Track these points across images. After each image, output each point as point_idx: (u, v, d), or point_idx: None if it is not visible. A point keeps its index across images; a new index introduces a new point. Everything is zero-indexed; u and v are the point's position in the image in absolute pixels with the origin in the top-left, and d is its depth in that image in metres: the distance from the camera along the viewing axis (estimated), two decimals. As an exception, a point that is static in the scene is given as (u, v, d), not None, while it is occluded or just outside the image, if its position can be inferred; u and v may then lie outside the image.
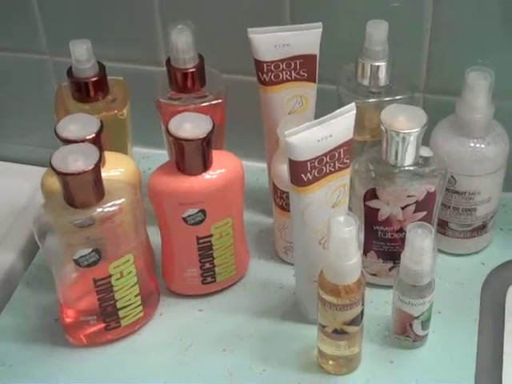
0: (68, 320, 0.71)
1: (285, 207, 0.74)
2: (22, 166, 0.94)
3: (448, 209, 0.76)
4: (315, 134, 0.63)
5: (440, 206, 0.73)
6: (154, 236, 0.76)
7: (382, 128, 0.68)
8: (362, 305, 0.66)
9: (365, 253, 0.74)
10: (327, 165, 0.64)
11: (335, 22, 0.76)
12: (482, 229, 0.78)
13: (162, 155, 0.82)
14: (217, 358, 0.72)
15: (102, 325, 0.71)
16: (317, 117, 0.74)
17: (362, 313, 0.66)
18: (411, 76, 0.78)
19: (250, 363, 0.71)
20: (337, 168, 0.65)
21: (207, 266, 0.74)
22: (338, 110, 0.64)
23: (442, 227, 0.78)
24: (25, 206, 0.88)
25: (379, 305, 0.74)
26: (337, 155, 0.64)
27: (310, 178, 0.64)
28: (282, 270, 0.79)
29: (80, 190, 0.64)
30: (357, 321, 0.66)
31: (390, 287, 0.71)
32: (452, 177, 0.73)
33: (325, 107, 0.71)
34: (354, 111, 0.64)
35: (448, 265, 0.78)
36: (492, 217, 0.78)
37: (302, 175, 0.64)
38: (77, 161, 0.63)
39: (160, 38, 0.83)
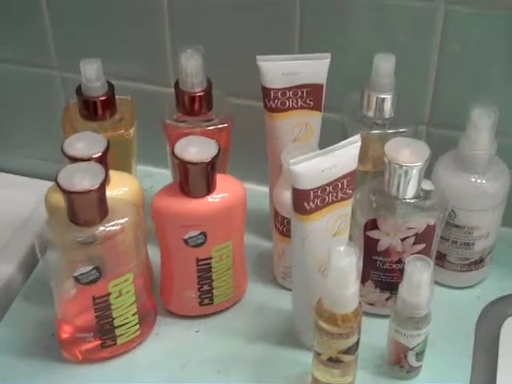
0: (64, 336, 0.72)
1: (285, 233, 0.75)
2: (25, 178, 0.95)
3: (447, 242, 0.77)
4: (319, 163, 0.63)
5: (439, 238, 0.73)
6: (154, 255, 0.76)
7: (386, 160, 0.68)
8: (359, 334, 0.66)
9: (362, 282, 0.74)
10: (330, 194, 0.65)
11: (343, 53, 0.77)
12: (479, 263, 0.78)
13: (165, 174, 0.83)
14: (211, 380, 0.72)
15: (98, 342, 0.72)
16: (320, 145, 0.76)
17: (357, 342, 0.67)
18: (416, 109, 0.78)
19: (244, 386, 0.71)
20: (339, 198, 0.66)
21: (205, 287, 0.75)
22: (342, 142, 0.64)
23: (440, 259, 0.78)
24: (26, 219, 0.88)
25: (374, 334, 0.74)
26: (340, 185, 0.65)
27: (313, 206, 0.65)
28: (279, 294, 0.79)
29: (84, 209, 0.64)
30: (352, 350, 0.67)
31: (386, 317, 0.71)
32: (452, 210, 0.74)
33: (329, 136, 0.72)
34: (359, 143, 0.65)
35: (444, 297, 0.78)
36: (490, 252, 0.78)
37: (305, 203, 0.64)
38: (83, 179, 0.63)
39: (169, 58, 0.84)
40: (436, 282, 0.78)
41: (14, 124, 0.94)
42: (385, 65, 0.72)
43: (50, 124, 0.83)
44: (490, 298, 0.79)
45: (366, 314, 0.74)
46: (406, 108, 0.75)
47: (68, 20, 0.84)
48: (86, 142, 0.69)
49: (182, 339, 0.75)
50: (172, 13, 0.81)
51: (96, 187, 0.63)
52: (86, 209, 0.65)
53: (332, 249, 0.62)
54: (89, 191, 0.63)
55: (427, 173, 0.71)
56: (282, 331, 0.76)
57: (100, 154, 0.68)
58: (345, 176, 0.65)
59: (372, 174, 0.76)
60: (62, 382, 0.72)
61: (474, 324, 0.76)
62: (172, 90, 0.76)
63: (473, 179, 0.73)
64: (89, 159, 0.67)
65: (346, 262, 0.62)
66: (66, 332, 0.72)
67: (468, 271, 0.79)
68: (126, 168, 0.77)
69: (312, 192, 0.64)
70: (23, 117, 0.93)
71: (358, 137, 0.65)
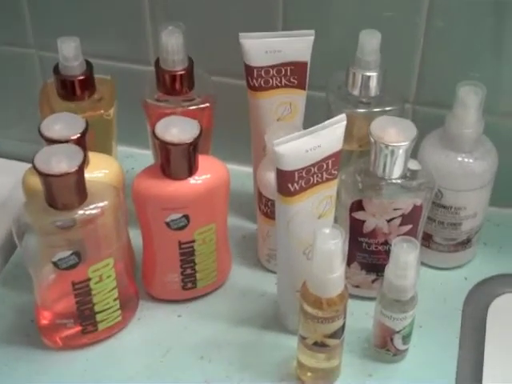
0: (44, 322, 0.70)
1: (269, 215, 0.73)
2: (2, 160, 0.92)
3: (433, 222, 0.76)
4: (304, 144, 0.62)
5: (426, 219, 0.72)
6: (136, 238, 0.75)
7: (371, 140, 0.67)
8: (344, 318, 0.65)
9: (348, 264, 0.73)
10: (315, 175, 0.64)
11: (327, 29, 0.76)
12: (466, 243, 0.77)
13: (147, 155, 0.81)
14: (194, 365, 0.71)
15: (79, 328, 0.70)
16: (305, 124, 0.74)
17: (343, 326, 0.66)
18: (402, 87, 0.77)
19: (228, 372, 0.70)
20: (324, 179, 0.64)
21: (188, 271, 0.73)
22: (327, 121, 0.63)
23: (427, 240, 0.77)
24: (4, 202, 0.86)
25: (360, 317, 0.73)
26: (325, 166, 0.64)
27: (297, 188, 0.63)
28: (264, 277, 0.78)
29: (62, 192, 0.63)
30: (338, 334, 0.65)
31: (372, 299, 0.71)
32: (439, 190, 0.73)
33: (313, 114, 0.71)
34: (345, 122, 0.63)
35: (431, 278, 0.78)
36: (477, 232, 0.77)
37: (289, 185, 0.63)
38: (60, 162, 0.62)
39: (149, 36, 0.82)
40: (422, 263, 0.77)
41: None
42: (370, 42, 0.70)
43: (28, 104, 0.81)
44: (478, 279, 0.78)
45: (352, 296, 0.73)
46: (392, 86, 0.73)
47: (45, -3, 0.82)
48: (64, 123, 0.67)
49: (164, 324, 0.74)
50: (152, -11, 0.79)
51: (74, 170, 0.62)
52: (64, 192, 0.63)
53: (317, 231, 0.61)
54: (66, 174, 0.61)
55: (413, 152, 0.69)
56: (267, 315, 0.74)
57: (78, 135, 0.66)
58: (330, 156, 0.63)
59: (357, 154, 0.75)
60: (43, 370, 0.70)
61: (462, 305, 0.76)
62: (153, 69, 0.74)
63: (460, 158, 0.72)
64: (67, 141, 0.66)
65: (332, 244, 0.60)
66: (45, 318, 0.70)
67: (455, 252, 0.78)
68: (106, 149, 0.75)
69: (296, 173, 0.62)
70: (0, 97, 0.90)
71: (343, 116, 0.63)
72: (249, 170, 0.82)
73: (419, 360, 0.71)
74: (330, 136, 0.63)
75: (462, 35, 0.74)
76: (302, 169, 0.62)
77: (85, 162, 0.63)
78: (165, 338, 0.73)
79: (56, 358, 0.71)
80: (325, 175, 0.64)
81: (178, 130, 0.66)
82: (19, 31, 0.84)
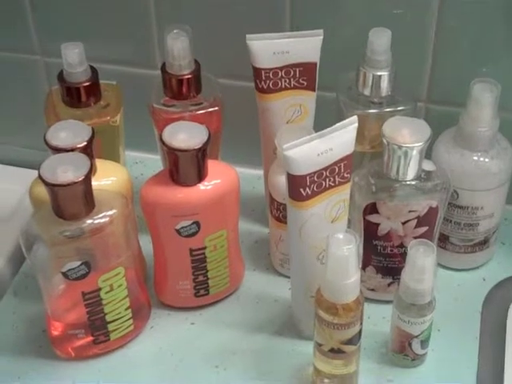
0: (55, 333, 0.69)
1: (281, 219, 0.72)
2: (11, 167, 0.91)
3: (449, 223, 0.74)
4: (315, 147, 0.60)
5: (442, 220, 0.71)
6: (148, 245, 0.74)
7: (384, 141, 0.66)
8: (361, 324, 0.64)
9: (363, 267, 0.72)
10: (327, 179, 0.62)
11: (336, 29, 0.74)
12: (483, 244, 0.76)
13: (156, 160, 0.80)
14: (209, 374, 0.69)
15: (91, 338, 0.69)
16: (315, 125, 0.73)
17: (360, 332, 0.64)
18: (414, 86, 0.75)
19: (244, 380, 0.69)
20: (337, 183, 0.63)
21: (200, 278, 0.72)
22: (339, 123, 0.61)
23: (443, 241, 0.75)
24: (14, 211, 0.85)
25: (377, 321, 0.72)
26: (337, 169, 0.62)
27: (309, 192, 0.62)
28: (277, 282, 0.77)
29: (70, 202, 0.62)
30: (355, 340, 0.64)
31: (388, 302, 0.69)
32: (455, 191, 0.71)
33: (324, 116, 0.70)
34: (356, 124, 0.62)
35: (448, 280, 0.76)
36: (494, 231, 0.76)
37: (301, 190, 0.62)
38: (66, 171, 0.60)
39: (156, 40, 0.81)
40: (439, 265, 0.76)
41: (-3, 112, 0.91)
42: (380, 40, 0.69)
43: (35, 111, 0.80)
44: (496, 280, 0.76)
45: (368, 300, 0.72)
46: (404, 85, 0.72)
47: (49, 2, 0.81)
48: (70, 131, 0.66)
49: (177, 332, 0.73)
50: (157, -8, 0.78)
51: (80, 179, 0.60)
52: (72, 202, 0.62)
53: (330, 237, 0.59)
54: (73, 183, 0.60)
55: (427, 151, 0.68)
56: (281, 321, 0.73)
57: (85, 143, 0.65)
58: (342, 159, 0.62)
59: (370, 155, 0.73)
60: (56, 381, 0.69)
61: (480, 307, 0.74)
62: (159, 73, 0.73)
63: (475, 158, 0.70)
64: (73, 149, 0.64)
65: (346, 250, 0.59)
66: (56, 329, 0.69)
67: (472, 252, 0.76)
68: (113, 156, 0.74)
69: (308, 177, 0.61)
70: (6, 104, 0.90)
71: (355, 118, 0.62)
72: (259, 172, 0.81)
73: (439, 364, 0.70)
74: (342, 139, 0.61)
75: (474, 31, 0.73)
76: (314, 173, 0.61)
77: (91, 171, 0.62)
78: (178, 347, 0.72)
79: (69, 368, 0.70)
80: (337, 179, 0.63)
81: (185, 135, 0.65)
82: (24, 37, 0.83)
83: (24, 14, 0.82)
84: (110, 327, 0.69)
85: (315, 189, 0.62)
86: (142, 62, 0.82)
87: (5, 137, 0.92)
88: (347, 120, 0.62)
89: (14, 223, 0.83)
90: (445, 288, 0.74)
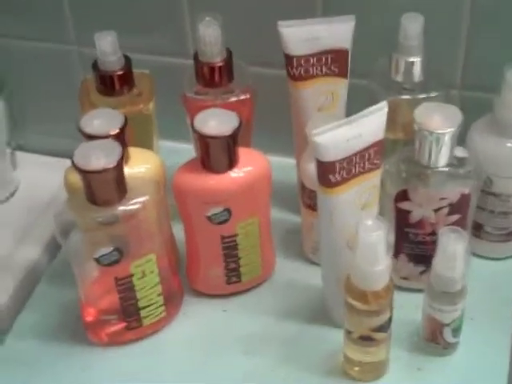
0: (89, 318, 0.70)
1: (313, 207, 0.72)
2: (48, 157, 0.92)
3: (483, 211, 0.73)
4: (344, 133, 0.60)
5: (475, 208, 0.70)
6: (180, 233, 0.74)
7: (415, 127, 0.65)
8: (391, 311, 0.63)
9: (395, 256, 0.71)
10: (356, 165, 0.62)
11: (368, 14, 0.73)
12: (518, 232, 0.75)
13: (190, 150, 0.80)
14: (239, 360, 0.70)
15: (123, 324, 0.70)
16: (347, 112, 0.73)
17: (390, 319, 0.64)
18: (447, 72, 0.75)
19: (274, 367, 0.69)
20: (367, 169, 0.63)
21: (232, 265, 0.72)
22: (368, 109, 0.61)
23: (477, 230, 0.75)
24: (51, 200, 0.86)
25: (409, 309, 0.71)
26: (367, 156, 0.62)
27: (339, 179, 0.62)
28: (309, 270, 0.77)
29: (102, 188, 0.62)
30: (385, 327, 0.64)
31: (421, 291, 0.68)
32: (488, 178, 0.70)
33: (356, 103, 0.69)
34: (386, 110, 0.61)
35: (482, 269, 0.75)
36: (529, 220, 0.75)
37: (330, 176, 0.61)
38: (99, 158, 0.61)
39: (188, 29, 0.81)
40: (473, 254, 0.75)
41: (33, 102, 0.92)
42: (413, 26, 0.68)
43: (71, 101, 0.81)
44: (531, 269, 0.75)
45: (401, 288, 0.71)
46: (437, 71, 0.71)
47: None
48: (103, 119, 0.67)
49: (209, 319, 0.73)
50: (189, -20, 0.78)
51: (112, 165, 0.61)
52: (104, 188, 0.62)
53: (359, 223, 0.59)
54: (105, 170, 0.61)
55: (461, 139, 0.67)
56: (313, 308, 0.73)
57: (117, 130, 0.66)
58: (372, 146, 0.62)
59: (403, 143, 0.72)
60: (89, 366, 0.70)
61: (515, 296, 0.73)
62: (192, 62, 0.74)
63: (509, 144, 0.69)
64: (106, 136, 0.65)
65: (374, 236, 0.59)
66: (90, 315, 0.70)
67: (506, 241, 0.75)
68: (146, 144, 0.75)
69: (337, 164, 0.61)
70: (42, 94, 0.91)
71: (384, 103, 0.61)
72: (292, 161, 0.81)
73: (470, 353, 0.69)
74: (371, 124, 0.61)
75: (509, 14, 0.71)
76: (343, 159, 0.61)
77: (124, 158, 0.62)
78: (210, 333, 0.72)
79: (102, 354, 0.71)
80: (367, 165, 0.62)
81: (216, 122, 0.65)
82: (59, 27, 0.85)
83: (60, 3, 0.83)
84: (143, 313, 0.70)
85: (345, 175, 0.62)
86: (175, 51, 0.83)
87: (42, 127, 0.94)
88: (377, 106, 0.61)
89: (51, 212, 0.84)
90: (479, 277, 0.73)
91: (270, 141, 0.78)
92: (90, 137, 0.66)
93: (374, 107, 0.61)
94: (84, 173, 0.61)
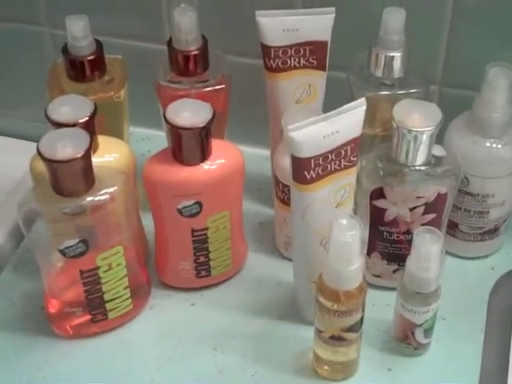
0: (53, 310, 0.68)
1: (286, 201, 0.70)
2: (16, 140, 0.90)
3: (459, 210, 0.72)
4: (321, 129, 0.59)
5: (451, 207, 0.69)
6: (150, 223, 0.72)
7: (394, 124, 0.64)
8: (363, 311, 0.62)
9: (368, 253, 0.70)
10: (332, 162, 0.60)
11: (349, 7, 0.72)
12: (493, 232, 0.74)
13: (163, 137, 0.78)
14: (207, 356, 0.68)
15: (88, 317, 0.68)
16: (325, 106, 0.71)
17: (361, 319, 0.63)
18: (427, 68, 0.73)
19: (242, 364, 0.68)
20: (342, 166, 0.61)
21: (202, 259, 0.71)
22: (346, 105, 0.59)
23: (452, 229, 0.74)
24: (17, 184, 0.84)
25: (381, 308, 0.70)
26: (343, 153, 0.60)
27: (314, 175, 0.60)
28: (281, 265, 0.75)
29: (68, 178, 0.60)
30: (356, 327, 0.63)
31: (393, 289, 0.68)
32: (465, 177, 0.69)
33: (334, 96, 0.68)
34: (364, 107, 0.60)
35: (456, 268, 0.74)
36: (505, 220, 0.74)
37: (305, 172, 0.60)
38: (66, 147, 0.59)
39: (164, 12, 0.78)
40: (447, 253, 0.74)
41: (2, 85, 0.89)
42: (394, 20, 0.67)
43: (42, 84, 0.79)
44: (505, 269, 0.75)
45: (373, 286, 0.70)
46: (417, 67, 0.70)
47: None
48: (72, 106, 0.64)
49: (177, 313, 0.72)
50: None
51: (80, 155, 0.59)
52: (71, 178, 0.60)
53: (334, 222, 0.58)
54: (72, 160, 0.59)
55: (439, 135, 0.66)
56: (283, 305, 0.72)
57: (86, 118, 0.64)
58: (349, 142, 0.60)
59: (380, 139, 0.71)
60: (53, 358, 0.69)
61: (487, 296, 0.72)
62: (166, 48, 0.71)
63: (488, 144, 0.68)
64: (74, 124, 0.63)
65: (349, 236, 0.57)
66: (54, 307, 0.68)
67: (481, 241, 0.74)
68: (117, 133, 0.73)
69: (313, 160, 0.59)
70: (12, 76, 0.88)
71: (363, 100, 0.60)
72: (267, 152, 0.79)
73: (442, 354, 0.68)
74: (349, 121, 0.60)
75: (492, 13, 0.70)
76: (319, 156, 0.59)
77: (92, 147, 0.60)
78: (177, 327, 0.71)
79: (66, 346, 0.69)
80: (343, 162, 0.61)
81: (189, 113, 0.64)
82: (31, 8, 0.82)
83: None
84: (109, 306, 0.68)
85: (320, 172, 0.60)
86: (150, 36, 0.80)
87: (11, 109, 0.91)
88: (355, 102, 0.60)
89: (17, 197, 0.81)
90: (452, 276, 0.73)
91: (245, 131, 0.76)
92: (58, 124, 0.63)
93: (353, 104, 0.60)
94: (50, 162, 0.59)
